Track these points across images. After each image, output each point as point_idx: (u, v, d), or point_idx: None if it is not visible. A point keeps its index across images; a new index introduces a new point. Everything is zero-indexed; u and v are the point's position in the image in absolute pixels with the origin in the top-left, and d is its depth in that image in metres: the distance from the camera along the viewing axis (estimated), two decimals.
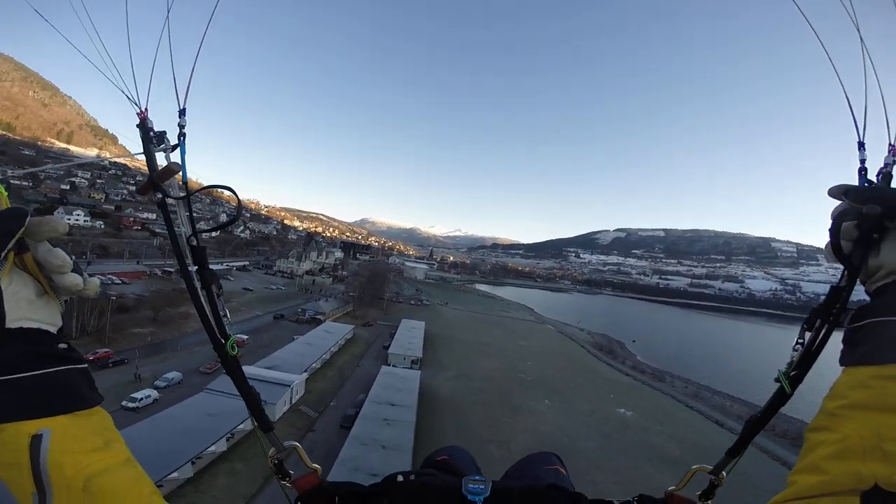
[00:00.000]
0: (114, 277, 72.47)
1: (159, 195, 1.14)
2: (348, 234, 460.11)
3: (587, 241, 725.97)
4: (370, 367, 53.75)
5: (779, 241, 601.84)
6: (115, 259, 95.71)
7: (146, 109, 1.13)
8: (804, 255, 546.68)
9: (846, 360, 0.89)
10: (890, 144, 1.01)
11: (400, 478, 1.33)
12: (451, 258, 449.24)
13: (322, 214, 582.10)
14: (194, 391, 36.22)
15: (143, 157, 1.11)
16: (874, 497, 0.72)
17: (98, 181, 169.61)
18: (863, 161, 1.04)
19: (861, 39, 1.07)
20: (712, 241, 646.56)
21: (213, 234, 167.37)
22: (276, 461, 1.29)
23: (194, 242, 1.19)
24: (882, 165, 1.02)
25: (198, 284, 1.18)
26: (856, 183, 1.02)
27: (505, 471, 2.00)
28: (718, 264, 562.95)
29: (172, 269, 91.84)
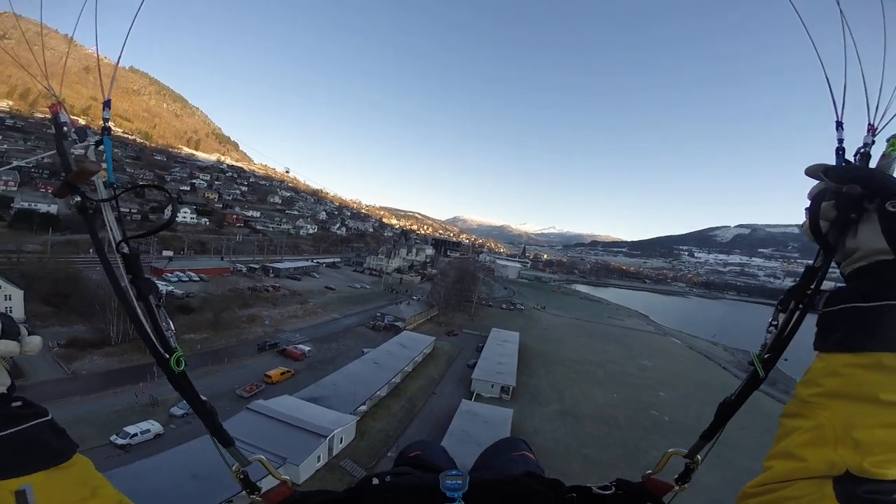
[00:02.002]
0: (192, 274, 70.68)
1: (77, 198, 1.02)
2: (441, 231, 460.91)
3: (703, 239, 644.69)
4: (449, 396, 42.10)
5: None
6: (213, 255, 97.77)
7: (60, 102, 1.02)
8: None
9: (820, 345, 0.90)
10: (869, 124, 0.99)
11: (375, 480, 1.30)
12: (545, 256, 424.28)
13: (417, 213, 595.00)
14: (222, 420, 27.61)
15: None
16: (845, 482, 0.77)
17: (216, 182, 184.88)
18: (840, 140, 1.03)
19: (843, 19, 1.04)
20: None
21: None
22: (242, 475, 1.24)
23: (125, 249, 1.06)
24: (860, 145, 1.00)
25: (133, 295, 1.06)
26: (833, 162, 1.00)
27: (473, 464, 1.98)
28: None
29: (257, 266, 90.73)
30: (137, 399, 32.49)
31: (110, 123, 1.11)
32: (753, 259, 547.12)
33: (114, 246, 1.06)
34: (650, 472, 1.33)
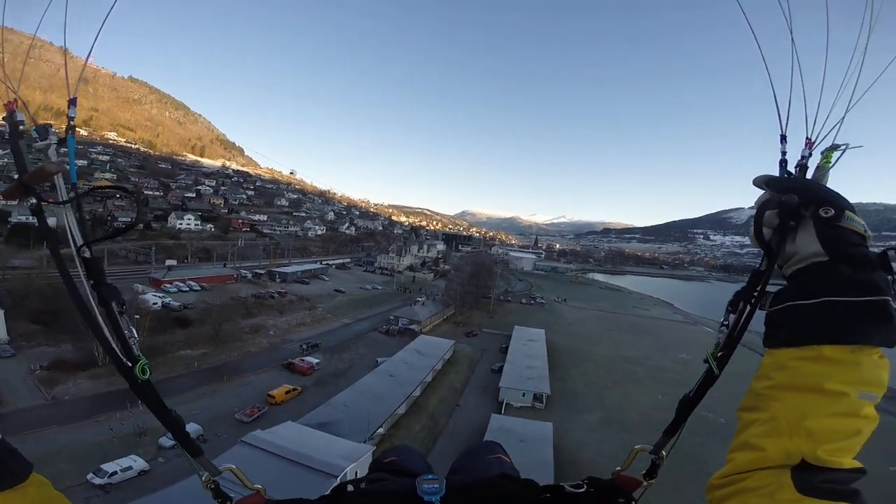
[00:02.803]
0: (193, 284, 66.54)
1: (32, 200, 0.98)
2: (450, 226, 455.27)
3: (717, 221, 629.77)
4: (474, 408, 37.43)
5: None
6: (217, 262, 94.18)
7: (15, 100, 0.98)
8: None
9: (768, 342, 0.97)
10: (807, 138, 1.09)
11: (350, 487, 1.29)
12: (558, 246, 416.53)
13: (426, 209, 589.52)
14: (217, 452, 23.36)
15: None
16: (802, 470, 0.83)
17: (222, 188, 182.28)
18: (784, 153, 1.12)
19: (792, 40, 1.14)
20: (882, 215, 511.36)
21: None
22: (213, 485, 1.22)
23: (87, 253, 1.02)
24: (799, 157, 1.10)
25: (94, 301, 1.01)
26: (777, 173, 1.11)
27: (449, 469, 1.96)
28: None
29: (263, 271, 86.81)
30: (113, 431, 28.21)
31: (74, 122, 1.04)
32: None
33: (74, 250, 1.01)
34: (619, 468, 1.34)
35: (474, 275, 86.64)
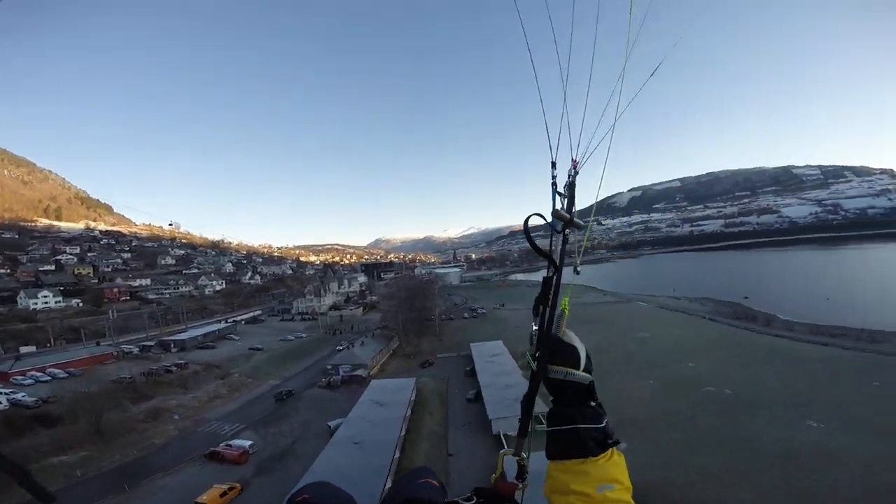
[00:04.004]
0: (58, 371, 51.34)
1: None
2: (366, 256, 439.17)
3: (603, 208, 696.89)
4: (469, 454, 30.30)
5: (799, 166, 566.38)
6: (91, 340, 74.74)
7: None
8: (830, 174, 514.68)
9: (546, 453, 1.32)
10: (573, 160, 1.33)
11: None
12: (474, 255, 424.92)
13: (336, 244, 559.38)
14: None
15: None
16: None
17: (89, 254, 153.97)
18: (554, 177, 1.35)
19: (561, 71, 1.40)
20: (731, 179, 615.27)
21: (219, 287, 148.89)
22: None
23: None
24: (567, 178, 1.36)
25: None
26: (550, 192, 1.37)
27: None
28: (746, 200, 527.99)
29: (153, 343, 70.35)
30: None
31: None
32: (651, 215, 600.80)
33: None
34: (495, 475, 1.48)
35: (410, 299, 79.45)
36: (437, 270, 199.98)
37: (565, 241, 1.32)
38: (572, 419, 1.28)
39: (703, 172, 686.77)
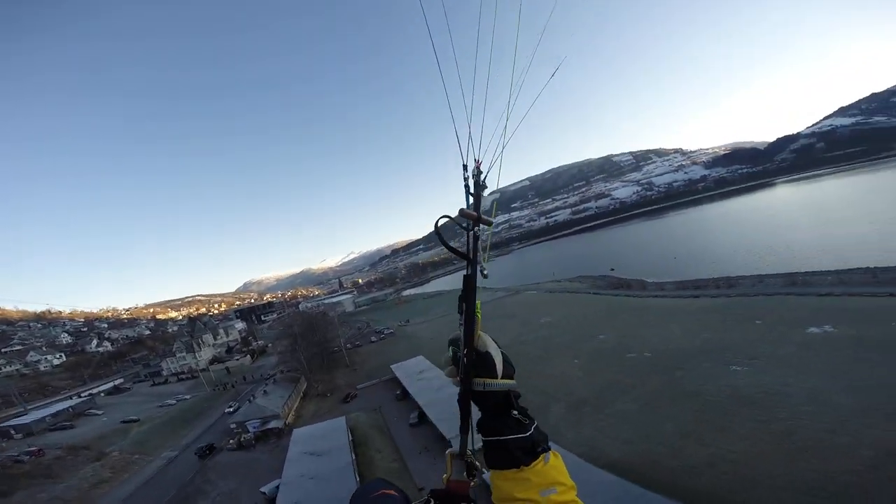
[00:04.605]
0: None
1: None
2: (237, 302, 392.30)
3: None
4: (441, 482, 27.27)
5: (616, 154, 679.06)
6: None
7: None
8: (640, 158, 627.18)
9: (485, 463, 1.37)
10: (475, 159, 1.41)
11: None
12: (361, 280, 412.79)
13: (198, 295, 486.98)
14: None
15: None
16: None
17: None
18: (466, 179, 1.41)
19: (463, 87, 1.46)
20: (568, 172, 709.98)
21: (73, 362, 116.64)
22: None
23: None
24: (472, 177, 1.42)
25: None
26: (463, 192, 1.42)
27: None
28: (584, 189, 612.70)
29: None
30: None
31: None
32: (512, 213, 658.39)
33: None
34: (446, 475, 1.51)
35: (307, 334, 71.80)
36: (328, 300, 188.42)
37: (476, 238, 1.35)
38: (498, 431, 1.31)
39: (547, 170, 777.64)
